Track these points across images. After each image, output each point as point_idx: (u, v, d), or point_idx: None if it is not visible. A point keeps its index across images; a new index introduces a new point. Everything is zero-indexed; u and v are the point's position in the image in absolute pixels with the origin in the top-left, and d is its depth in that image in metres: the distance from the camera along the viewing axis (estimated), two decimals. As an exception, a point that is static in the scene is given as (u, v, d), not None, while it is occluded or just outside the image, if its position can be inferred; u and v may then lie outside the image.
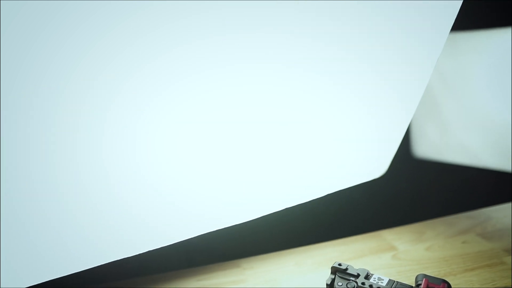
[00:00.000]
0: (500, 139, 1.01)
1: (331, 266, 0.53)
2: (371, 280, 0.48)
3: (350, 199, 0.83)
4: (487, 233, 0.75)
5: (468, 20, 0.83)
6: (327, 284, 0.51)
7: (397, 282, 0.47)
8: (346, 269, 0.51)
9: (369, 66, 0.64)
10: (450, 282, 0.61)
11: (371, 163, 0.78)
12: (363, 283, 0.48)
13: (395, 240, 0.75)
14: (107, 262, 0.57)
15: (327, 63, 0.60)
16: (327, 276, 0.53)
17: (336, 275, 0.51)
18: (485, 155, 1.07)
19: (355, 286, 0.48)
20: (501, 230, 0.76)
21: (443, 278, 0.61)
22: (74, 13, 0.43)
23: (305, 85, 0.60)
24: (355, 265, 0.55)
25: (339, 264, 0.52)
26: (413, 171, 1.11)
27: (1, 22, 0.40)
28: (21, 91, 0.44)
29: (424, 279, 0.46)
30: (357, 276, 0.50)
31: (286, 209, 0.71)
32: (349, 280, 0.50)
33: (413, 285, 0.49)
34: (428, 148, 1.16)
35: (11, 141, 0.45)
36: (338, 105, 0.66)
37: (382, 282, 0.48)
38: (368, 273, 0.50)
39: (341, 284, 0.49)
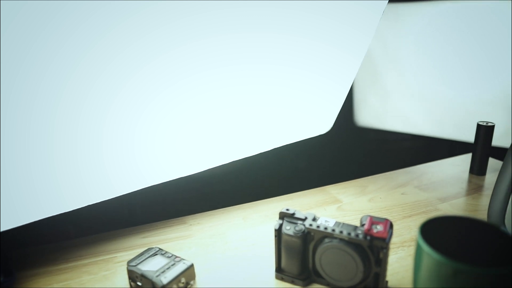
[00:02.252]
0: (433, 107, 1.07)
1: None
2: (319, 221, 0.49)
3: (297, 154, 0.84)
4: (423, 185, 0.80)
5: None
6: (275, 230, 0.51)
7: (343, 223, 0.48)
8: (294, 213, 0.51)
9: (314, 31, 0.65)
10: (396, 226, 0.64)
11: (317, 120, 0.79)
12: (310, 225, 0.49)
13: (340, 194, 0.77)
14: (43, 218, 0.53)
15: (273, 30, 0.59)
16: (273, 227, 0.54)
17: (284, 220, 0.51)
18: (420, 122, 1.13)
19: (303, 228, 0.49)
20: (435, 182, 0.81)
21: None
22: None
23: (256, 47, 0.59)
24: (302, 212, 0.55)
25: (287, 209, 0.52)
26: (356, 131, 1.14)
27: None
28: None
29: (368, 217, 0.47)
30: (305, 219, 0.50)
31: (233, 162, 0.70)
32: (297, 223, 0.50)
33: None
34: (369, 115, 1.20)
35: None
36: (287, 67, 0.66)
37: (329, 223, 0.48)
38: (315, 216, 0.50)
39: (289, 228, 0.50)
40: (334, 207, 0.72)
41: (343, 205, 0.72)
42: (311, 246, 0.50)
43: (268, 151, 0.73)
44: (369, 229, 0.46)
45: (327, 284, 0.51)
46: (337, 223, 0.49)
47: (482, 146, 0.82)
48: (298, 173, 0.84)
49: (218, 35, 0.55)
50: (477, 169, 0.84)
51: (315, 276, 0.51)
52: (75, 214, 0.58)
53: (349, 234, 0.46)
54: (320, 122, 0.79)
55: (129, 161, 0.58)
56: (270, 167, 0.83)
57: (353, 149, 1.11)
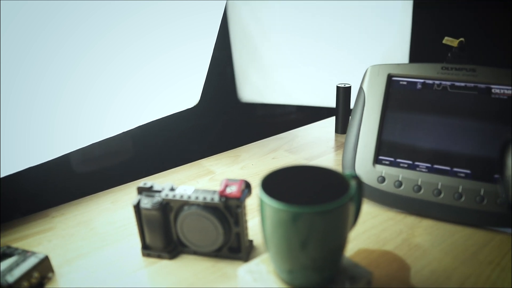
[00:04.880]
0: (309, 77, 1.12)
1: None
2: (177, 191, 0.48)
3: (168, 129, 0.81)
4: (293, 148, 0.83)
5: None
6: (133, 206, 0.49)
7: (203, 190, 0.48)
8: (151, 186, 0.50)
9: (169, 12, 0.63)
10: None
11: (184, 94, 0.78)
12: (166, 195, 0.47)
13: (213, 165, 0.77)
14: None
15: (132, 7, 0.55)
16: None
17: (142, 195, 0.50)
18: (299, 93, 1.18)
19: (160, 200, 0.48)
20: (304, 144, 0.85)
21: (254, 187, 0.65)
22: None
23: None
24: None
25: (144, 184, 0.50)
26: (241, 107, 1.15)
27: None
28: None
29: (224, 180, 0.47)
30: (162, 190, 0.49)
31: (95, 144, 0.66)
32: (154, 196, 0.49)
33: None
34: (252, 91, 1.22)
35: None
36: (149, 45, 0.63)
37: (187, 191, 0.48)
38: (172, 186, 0.49)
39: (146, 202, 0.48)
40: (207, 179, 0.72)
41: (216, 175, 0.73)
42: (171, 217, 0.49)
43: (134, 129, 0.70)
44: (223, 191, 0.46)
45: (193, 252, 0.51)
46: (196, 190, 0.49)
47: (343, 106, 0.88)
48: (170, 150, 0.83)
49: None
50: (341, 128, 0.90)
51: (181, 246, 0.51)
52: None
53: (204, 198, 0.46)
54: (187, 96, 0.78)
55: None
56: (139, 146, 0.80)
57: (236, 125, 1.12)
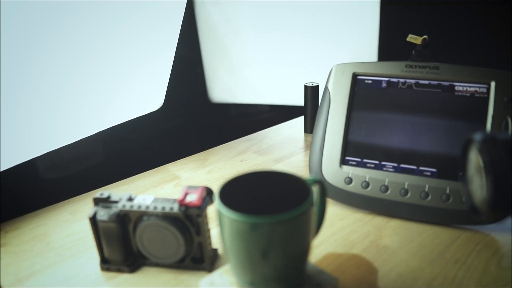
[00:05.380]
0: (280, 78, 1.11)
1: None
2: (135, 201, 0.46)
3: (132, 134, 0.78)
4: (262, 149, 0.82)
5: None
6: (90, 219, 0.46)
7: (162, 199, 0.46)
8: (108, 197, 0.47)
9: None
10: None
11: (147, 97, 0.75)
12: (124, 206, 0.45)
13: (179, 170, 0.74)
14: None
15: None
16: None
17: (99, 206, 0.47)
18: (264, 92, 1.16)
19: (117, 211, 0.45)
20: (273, 145, 0.84)
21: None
22: None
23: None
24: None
25: (101, 194, 0.47)
26: (211, 108, 1.13)
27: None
28: None
29: (184, 187, 0.45)
30: (119, 201, 0.46)
31: (56, 151, 0.63)
32: (111, 207, 0.46)
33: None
34: (222, 91, 1.20)
35: None
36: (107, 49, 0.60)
37: (146, 201, 0.46)
38: (130, 196, 0.47)
39: (103, 213, 0.45)
40: (172, 185, 0.69)
41: (181, 181, 0.70)
42: (130, 228, 0.47)
43: (94, 134, 0.67)
44: (183, 199, 0.44)
45: (155, 264, 0.48)
46: (155, 200, 0.46)
47: (311, 106, 0.87)
48: (135, 155, 0.80)
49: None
50: (310, 127, 0.89)
51: (142, 258, 0.48)
52: None
53: (163, 208, 0.44)
54: (150, 99, 0.75)
55: None
56: (101, 153, 0.77)
57: (206, 127, 1.10)
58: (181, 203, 0.44)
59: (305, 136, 0.88)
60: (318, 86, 0.86)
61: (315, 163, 0.59)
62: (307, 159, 0.77)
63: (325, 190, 0.40)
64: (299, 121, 0.97)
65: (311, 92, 0.86)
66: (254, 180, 0.40)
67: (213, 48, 1.15)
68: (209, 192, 0.46)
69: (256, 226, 0.34)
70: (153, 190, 0.68)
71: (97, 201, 0.48)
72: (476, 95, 0.54)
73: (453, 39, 1.01)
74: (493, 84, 0.53)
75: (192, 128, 1.01)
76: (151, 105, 0.76)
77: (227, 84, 1.20)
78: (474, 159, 0.33)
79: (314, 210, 0.37)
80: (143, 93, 0.74)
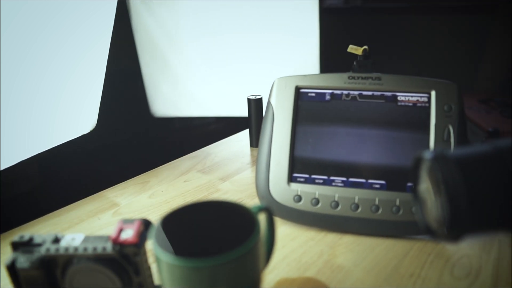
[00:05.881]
0: (223, 90, 1.07)
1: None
2: (62, 242, 0.40)
3: (62, 158, 0.72)
4: (206, 168, 0.78)
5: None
6: (7, 267, 0.40)
7: (94, 237, 0.41)
8: (30, 240, 0.41)
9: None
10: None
11: (78, 119, 0.69)
12: (48, 249, 0.39)
13: (118, 196, 0.69)
14: None
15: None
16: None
17: (19, 251, 0.41)
18: (208, 104, 1.13)
19: (41, 256, 0.39)
20: (218, 162, 0.80)
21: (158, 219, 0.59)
22: None
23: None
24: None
25: (21, 237, 0.41)
26: (154, 122, 1.07)
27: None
28: None
29: (118, 222, 0.41)
30: (43, 243, 0.41)
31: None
32: (34, 251, 0.40)
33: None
34: (164, 104, 1.15)
35: None
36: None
37: (75, 241, 0.40)
38: (56, 236, 0.41)
39: (24, 260, 0.40)
40: (110, 213, 0.63)
41: (121, 208, 0.65)
42: (58, 274, 0.41)
43: (18, 164, 0.60)
44: (117, 237, 0.39)
45: (90, 311, 0.43)
46: (86, 238, 0.41)
47: (255, 119, 0.85)
48: (67, 182, 0.73)
49: None
50: (255, 141, 0.86)
51: (74, 306, 0.43)
52: None
53: (95, 249, 0.39)
54: (81, 120, 0.69)
55: None
56: (26, 183, 0.70)
57: (147, 145, 1.04)
58: (115, 241, 0.39)
59: (251, 151, 0.85)
60: (261, 98, 0.84)
61: (262, 182, 0.56)
62: (255, 175, 0.74)
63: (273, 218, 0.37)
64: (244, 134, 0.94)
65: (255, 105, 0.84)
66: (195, 212, 0.37)
67: (153, 60, 1.10)
68: (147, 225, 0.42)
69: (198, 269, 0.30)
70: (89, 221, 0.61)
71: (16, 246, 0.41)
72: (418, 104, 0.54)
73: (392, 50, 1.04)
74: (433, 93, 0.53)
75: (132, 146, 0.95)
76: (82, 127, 0.69)
77: (170, 97, 1.16)
78: (425, 178, 0.32)
79: (262, 242, 0.34)
80: (74, 114, 0.67)
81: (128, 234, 0.39)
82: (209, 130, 1.20)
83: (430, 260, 0.49)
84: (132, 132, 0.95)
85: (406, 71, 0.58)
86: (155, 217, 0.61)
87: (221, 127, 1.19)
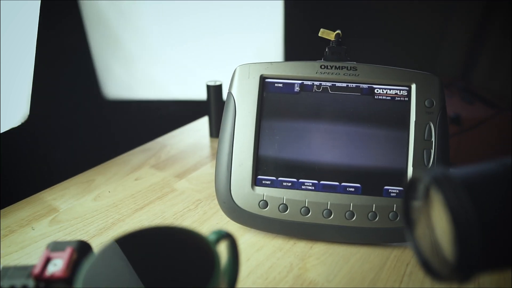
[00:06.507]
0: (181, 71, 0.99)
1: None
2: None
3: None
4: (161, 162, 0.70)
5: None
6: None
7: (14, 268, 0.33)
8: None
9: None
10: (121, 228, 0.52)
11: (4, 110, 0.58)
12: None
13: (57, 199, 0.60)
14: None
15: None
16: None
17: None
18: (170, 86, 1.04)
19: None
20: (174, 156, 0.72)
21: (111, 227, 0.51)
22: None
23: None
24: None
25: None
26: (106, 106, 0.97)
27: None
28: None
29: (44, 251, 0.33)
30: None
31: None
32: None
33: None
34: (117, 87, 1.04)
35: None
36: None
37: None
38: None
39: None
40: (47, 221, 0.55)
41: (60, 214, 0.56)
42: (-32, 317, 0.33)
43: None
44: (41, 271, 0.31)
45: None
46: (4, 271, 0.33)
47: (215, 107, 0.77)
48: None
49: None
50: (215, 131, 0.79)
51: None
52: None
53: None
54: (9, 111, 0.58)
55: None
56: None
57: (95, 134, 0.94)
58: (39, 276, 0.31)
59: (211, 142, 0.78)
60: (221, 85, 0.76)
61: (222, 185, 0.50)
62: (214, 171, 0.67)
63: (236, 247, 0.30)
64: (203, 123, 0.86)
65: (214, 92, 0.76)
66: (142, 240, 0.29)
67: (103, 38, 0.99)
68: (83, 249, 0.34)
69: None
70: (20, 232, 0.52)
71: None
72: (397, 98, 0.48)
73: (366, 39, 0.97)
74: (413, 86, 0.48)
75: (75, 137, 0.85)
76: (10, 119, 0.59)
77: (123, 79, 1.06)
78: (423, 205, 0.26)
79: (224, 276, 0.28)
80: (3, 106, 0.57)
81: (57, 266, 0.32)
82: (167, 113, 1.11)
83: (408, 272, 0.45)
84: (75, 120, 0.85)
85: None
86: (101, 224, 0.53)
87: (178, 111, 1.11)
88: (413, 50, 1.01)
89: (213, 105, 0.77)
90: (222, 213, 0.52)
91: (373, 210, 0.47)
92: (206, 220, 0.54)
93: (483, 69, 1.00)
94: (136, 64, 1.01)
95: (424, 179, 0.26)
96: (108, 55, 1.01)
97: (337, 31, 0.51)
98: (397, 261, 0.47)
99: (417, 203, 0.28)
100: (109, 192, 0.61)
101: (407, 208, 0.28)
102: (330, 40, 0.51)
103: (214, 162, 0.69)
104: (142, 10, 0.91)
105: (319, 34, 0.52)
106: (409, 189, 0.28)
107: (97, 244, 0.49)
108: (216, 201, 0.57)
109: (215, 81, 0.76)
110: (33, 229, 0.53)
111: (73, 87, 0.91)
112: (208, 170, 0.67)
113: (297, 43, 1.04)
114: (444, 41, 1.06)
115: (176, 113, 1.10)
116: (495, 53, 0.97)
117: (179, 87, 1.04)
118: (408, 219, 0.28)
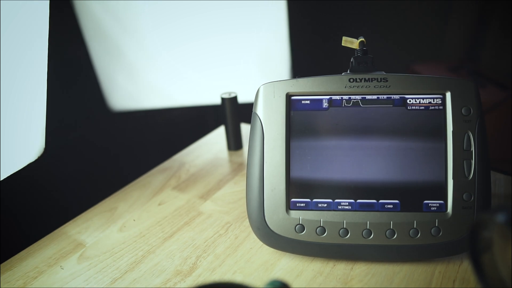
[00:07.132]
0: (187, 77, 0.97)
1: None
2: None
3: (7, 195, 0.60)
4: (182, 183, 0.68)
5: None
6: None
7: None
8: None
9: None
10: (152, 261, 0.51)
11: (20, 145, 0.56)
12: None
13: (81, 232, 0.58)
14: None
15: None
16: None
17: None
18: (176, 94, 1.02)
19: None
20: (194, 174, 0.70)
21: (142, 260, 0.49)
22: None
23: None
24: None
25: None
26: (111, 119, 0.95)
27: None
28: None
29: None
30: None
31: None
32: None
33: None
34: (123, 98, 1.03)
35: None
36: None
37: None
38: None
39: None
40: (75, 258, 0.53)
41: (87, 249, 0.55)
42: None
43: None
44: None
45: None
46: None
47: (231, 119, 0.75)
48: (18, 223, 0.61)
49: None
50: (233, 144, 0.77)
51: None
52: None
53: None
54: (24, 148, 0.57)
55: None
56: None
57: (112, 150, 0.92)
58: None
59: (229, 155, 0.76)
60: (236, 97, 0.74)
61: (255, 211, 0.48)
62: (238, 188, 0.65)
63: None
64: (219, 135, 0.84)
65: (230, 104, 0.74)
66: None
67: (105, 52, 0.97)
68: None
69: None
70: (49, 273, 0.51)
71: None
72: (431, 107, 0.46)
73: (371, 29, 0.95)
74: (448, 94, 0.45)
75: (90, 161, 0.83)
76: (27, 155, 0.57)
77: (127, 89, 1.04)
78: (497, 244, 0.24)
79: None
80: (15, 141, 0.55)
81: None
82: (177, 121, 1.09)
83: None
84: (86, 144, 0.83)
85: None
86: (131, 258, 0.52)
87: (190, 118, 1.09)
88: (418, 31, 0.98)
89: (229, 118, 0.75)
90: (254, 236, 0.50)
91: (414, 226, 0.45)
92: (239, 245, 0.53)
93: (490, 49, 0.97)
94: (138, 74, 0.99)
95: (498, 219, 0.24)
96: (111, 68, 0.99)
97: (361, 39, 0.49)
98: (443, 277, 0.45)
99: (484, 245, 0.26)
100: (134, 220, 0.60)
101: (474, 249, 0.26)
102: (354, 49, 0.49)
103: (236, 178, 0.67)
104: (139, 15, 0.89)
105: (342, 44, 0.50)
106: (476, 231, 0.26)
107: (131, 281, 0.48)
108: (246, 223, 0.56)
109: (230, 93, 0.74)
110: (62, 269, 0.52)
111: (82, 107, 0.89)
112: (231, 189, 0.66)
113: (302, 43, 1.01)
114: (448, 23, 1.02)
115: (185, 119, 1.09)
116: (501, 31, 0.94)
117: (184, 93, 1.02)
118: (476, 261, 0.26)
